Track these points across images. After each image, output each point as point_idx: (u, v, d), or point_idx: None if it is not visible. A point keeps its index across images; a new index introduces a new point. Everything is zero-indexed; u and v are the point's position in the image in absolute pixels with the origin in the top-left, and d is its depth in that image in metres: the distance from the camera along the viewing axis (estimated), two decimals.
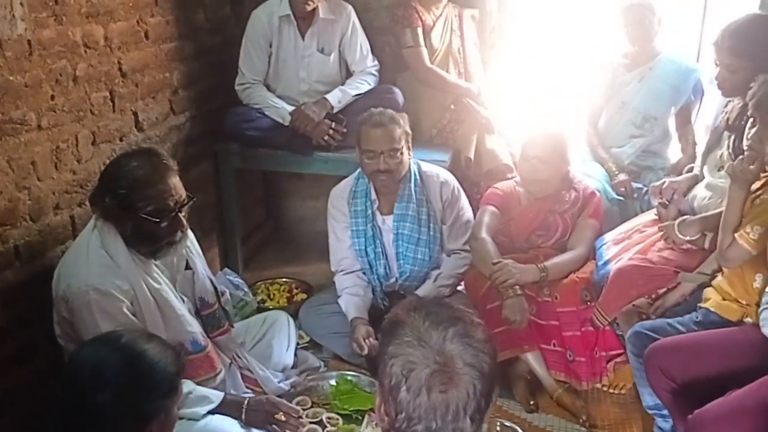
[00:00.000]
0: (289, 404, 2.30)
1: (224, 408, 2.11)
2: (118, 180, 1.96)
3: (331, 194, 2.95)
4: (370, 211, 2.83)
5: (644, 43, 3.19)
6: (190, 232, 2.20)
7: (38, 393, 2.10)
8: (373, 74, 3.35)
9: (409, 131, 2.75)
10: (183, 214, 2.04)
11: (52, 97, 2.18)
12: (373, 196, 2.83)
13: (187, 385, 2.02)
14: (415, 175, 2.82)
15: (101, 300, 1.92)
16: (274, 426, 2.17)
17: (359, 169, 2.84)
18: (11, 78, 2.00)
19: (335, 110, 3.20)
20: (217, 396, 2.11)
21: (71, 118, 2.28)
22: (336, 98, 3.20)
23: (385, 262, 2.86)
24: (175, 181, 2.02)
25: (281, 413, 2.18)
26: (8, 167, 2.02)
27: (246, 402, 2.16)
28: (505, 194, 2.83)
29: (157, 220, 1.97)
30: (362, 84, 3.29)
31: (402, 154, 2.70)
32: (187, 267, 2.27)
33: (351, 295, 2.80)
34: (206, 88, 3.24)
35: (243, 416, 2.13)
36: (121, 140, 2.56)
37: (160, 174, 1.98)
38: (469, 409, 1.11)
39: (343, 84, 3.29)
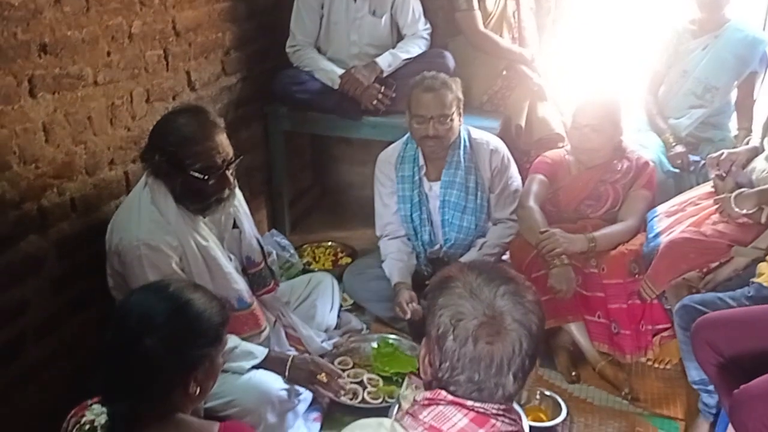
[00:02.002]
0: (332, 366, 2.34)
1: (268, 364, 2.15)
2: (166, 137, 1.99)
3: (378, 159, 2.94)
4: (417, 177, 2.81)
5: (713, 10, 3.06)
6: (238, 192, 2.23)
7: (93, 341, 2.18)
8: (424, 38, 3.31)
9: (461, 97, 2.71)
10: (231, 171, 2.06)
11: (108, 54, 2.23)
12: (421, 161, 2.81)
13: (233, 340, 2.07)
14: (464, 141, 2.79)
15: (151, 255, 1.98)
16: (316, 386, 2.21)
17: (408, 134, 2.81)
18: (69, 33, 2.04)
19: (385, 74, 3.18)
20: (261, 351, 2.16)
21: (126, 75, 2.33)
22: (386, 62, 3.18)
23: (431, 229, 2.85)
24: (222, 139, 2.03)
25: (324, 374, 2.22)
26: (65, 122, 2.08)
27: (290, 359, 2.20)
28: (555, 162, 2.78)
29: (205, 177, 1.99)
30: (413, 48, 3.25)
31: (452, 120, 2.66)
32: (235, 226, 2.30)
33: (395, 260, 2.81)
34: (258, 50, 3.26)
35: (287, 373, 2.17)
36: (173, 99, 2.60)
37: (208, 131, 2.00)
38: (513, 366, 1.12)
39: (394, 47, 3.26)
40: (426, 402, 1.15)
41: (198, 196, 2.04)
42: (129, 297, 1.47)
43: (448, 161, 2.77)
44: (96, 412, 1.34)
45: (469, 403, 1.12)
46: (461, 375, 1.12)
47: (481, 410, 1.12)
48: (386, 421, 1.17)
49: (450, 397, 1.13)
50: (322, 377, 2.21)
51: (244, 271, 2.35)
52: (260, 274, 2.40)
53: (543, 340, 1.19)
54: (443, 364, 1.14)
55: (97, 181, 2.24)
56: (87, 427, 1.33)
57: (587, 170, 2.71)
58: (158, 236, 2.00)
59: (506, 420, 1.14)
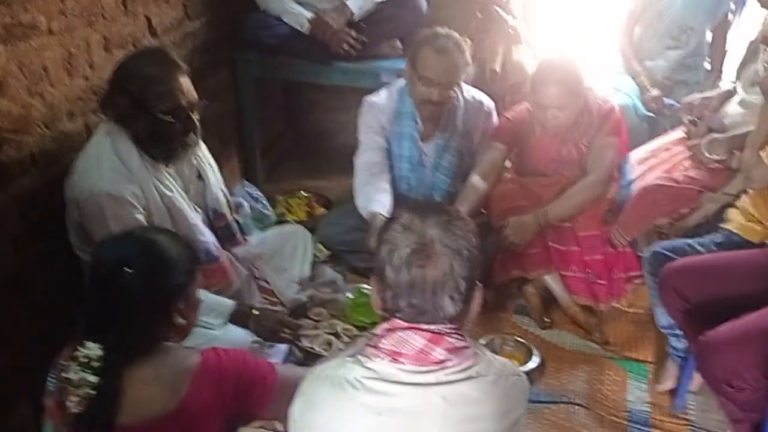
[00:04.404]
0: (294, 321, 2.29)
1: (235, 318, 2.13)
2: (128, 78, 1.95)
3: (368, 104, 2.70)
4: (416, 135, 2.66)
5: None
6: (201, 143, 2.18)
7: (57, 299, 2.14)
8: None
9: (470, 61, 2.59)
10: (196, 116, 2.03)
11: (62, 0, 2.12)
12: (418, 119, 2.66)
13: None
14: (462, 103, 2.67)
15: (114, 205, 1.94)
16: (281, 335, 2.18)
17: (399, 84, 2.67)
18: None
19: (356, 18, 3.08)
20: (227, 307, 2.12)
21: (82, 22, 2.22)
22: (357, 5, 3.06)
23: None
24: (186, 81, 2.01)
25: (286, 330, 2.18)
26: (20, 72, 1.98)
27: (252, 313, 2.15)
28: (516, 124, 2.65)
29: (171, 119, 1.96)
30: None
31: (458, 86, 2.55)
32: (200, 178, 2.26)
33: (373, 189, 2.61)
34: None
35: (251, 326, 2.14)
36: (134, 46, 2.49)
37: (171, 71, 1.98)
38: (447, 288, 1.20)
39: None
40: (384, 332, 1.24)
41: (163, 140, 2.02)
42: (100, 247, 1.51)
43: (443, 122, 2.65)
44: (90, 347, 1.35)
45: (424, 326, 1.21)
46: (403, 301, 1.21)
47: (436, 331, 1.21)
48: (347, 359, 1.26)
49: (405, 324, 1.22)
50: (286, 333, 2.18)
51: (211, 225, 2.31)
52: (227, 227, 2.38)
53: (481, 264, 1.27)
54: (387, 294, 1.23)
55: (57, 133, 2.15)
56: (81, 360, 1.35)
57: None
58: (121, 186, 1.96)
59: (458, 337, 1.23)
